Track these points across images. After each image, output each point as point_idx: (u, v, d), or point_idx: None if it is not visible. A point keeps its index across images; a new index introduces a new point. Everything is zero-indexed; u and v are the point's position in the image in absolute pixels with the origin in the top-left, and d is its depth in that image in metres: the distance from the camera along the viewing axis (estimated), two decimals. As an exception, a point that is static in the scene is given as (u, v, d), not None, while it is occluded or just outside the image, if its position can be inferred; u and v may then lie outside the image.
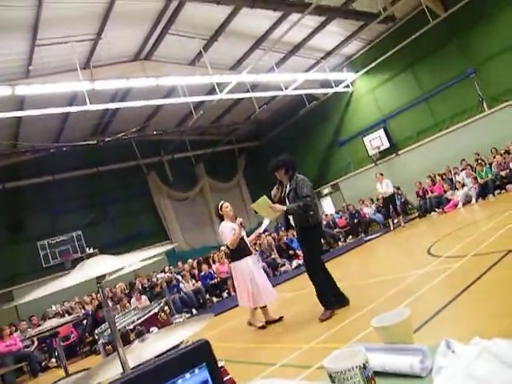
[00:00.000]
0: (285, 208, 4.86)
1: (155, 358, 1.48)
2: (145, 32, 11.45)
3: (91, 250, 1.41)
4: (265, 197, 4.86)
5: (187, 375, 0.69)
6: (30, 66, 10.47)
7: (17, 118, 12.02)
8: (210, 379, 0.70)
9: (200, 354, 0.69)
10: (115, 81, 10.49)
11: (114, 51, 11.59)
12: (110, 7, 9.63)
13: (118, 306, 9.37)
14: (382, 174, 12.39)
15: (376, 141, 15.78)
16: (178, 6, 10.49)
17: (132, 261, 1.48)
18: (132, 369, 1.42)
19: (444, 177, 13.08)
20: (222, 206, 5.80)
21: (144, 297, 9.51)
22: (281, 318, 5.66)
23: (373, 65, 14.93)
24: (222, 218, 5.80)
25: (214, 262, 12.36)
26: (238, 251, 5.59)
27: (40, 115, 10.50)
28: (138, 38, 11.70)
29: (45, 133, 13.83)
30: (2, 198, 14.14)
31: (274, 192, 5.26)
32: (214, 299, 11.12)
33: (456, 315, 3.48)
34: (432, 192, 12.96)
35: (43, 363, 9.58)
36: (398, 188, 14.57)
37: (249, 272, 5.49)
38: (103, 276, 1.34)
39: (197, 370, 0.69)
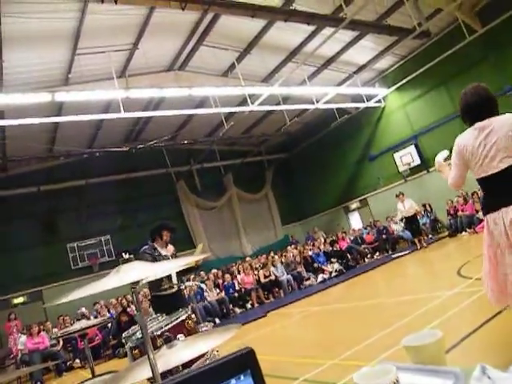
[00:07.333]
0: None
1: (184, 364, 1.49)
2: (180, 43, 11.70)
3: (127, 256, 1.45)
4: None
5: (232, 381, 0.71)
6: (70, 74, 10.84)
7: (54, 124, 12.44)
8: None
9: (245, 361, 0.71)
10: (149, 90, 10.73)
11: (150, 61, 11.87)
12: (148, 18, 9.91)
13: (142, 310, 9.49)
14: (403, 194, 12.27)
15: (407, 157, 15.57)
16: (213, 19, 10.70)
17: (167, 268, 1.51)
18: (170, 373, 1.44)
19: (476, 196, 12.76)
20: None
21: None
22: None
23: (405, 80, 14.79)
24: None
25: (239, 273, 12.39)
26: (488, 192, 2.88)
27: (76, 121, 10.85)
28: (172, 49, 11.97)
29: (79, 138, 14.22)
30: (37, 200, 14.58)
31: None
32: (237, 310, 11.11)
33: (488, 340, 3.37)
34: (463, 211, 12.65)
35: (68, 363, 9.78)
36: (429, 205, 14.33)
37: (491, 241, 2.73)
38: (137, 282, 1.38)
39: (242, 377, 0.71)
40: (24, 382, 9.55)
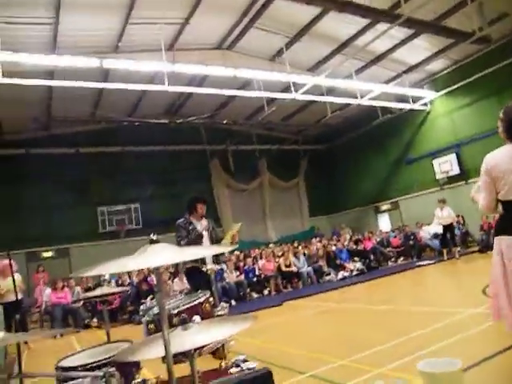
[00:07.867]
0: None
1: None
2: (231, 22, 11.66)
3: (154, 237, 1.47)
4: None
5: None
6: (119, 42, 11.00)
7: (99, 89, 12.67)
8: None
9: (262, 382, 0.71)
10: (195, 66, 10.76)
11: (199, 37, 11.92)
12: (202, -6, 9.91)
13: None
14: (444, 201, 11.90)
15: (446, 165, 15.14)
16: (268, 1, 10.58)
17: (192, 254, 1.53)
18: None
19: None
20: None
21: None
22: None
23: (456, 86, 14.30)
24: None
25: (260, 258, 12.45)
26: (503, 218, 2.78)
27: (120, 89, 11.03)
28: (223, 27, 11.94)
29: (122, 106, 14.49)
30: (75, 161, 15.01)
31: None
32: (254, 294, 11.20)
33: (507, 368, 3.26)
34: (498, 228, 12.22)
35: (86, 321, 10.18)
36: (462, 217, 13.93)
37: (496, 263, 2.75)
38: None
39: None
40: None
